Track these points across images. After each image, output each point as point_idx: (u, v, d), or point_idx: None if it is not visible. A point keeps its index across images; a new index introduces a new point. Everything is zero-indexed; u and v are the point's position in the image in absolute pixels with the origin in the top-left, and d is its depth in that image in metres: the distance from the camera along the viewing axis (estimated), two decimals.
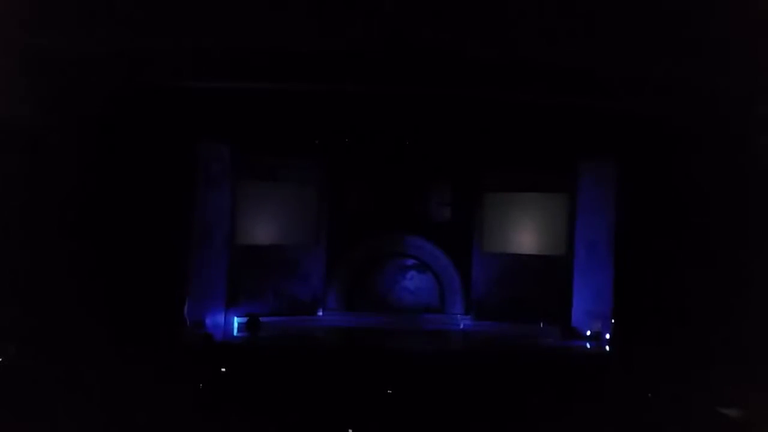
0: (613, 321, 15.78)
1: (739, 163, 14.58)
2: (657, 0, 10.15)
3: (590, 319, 16.78)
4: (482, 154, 18.28)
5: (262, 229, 17.43)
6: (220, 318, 16.48)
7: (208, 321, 16.09)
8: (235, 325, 16.13)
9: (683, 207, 14.77)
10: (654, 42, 12.02)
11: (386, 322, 17.97)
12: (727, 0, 9.63)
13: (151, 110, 14.31)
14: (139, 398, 8.21)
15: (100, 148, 14.10)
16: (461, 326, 17.98)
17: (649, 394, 9.40)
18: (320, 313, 18.04)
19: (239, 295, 16.85)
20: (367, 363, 13.90)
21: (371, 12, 11.59)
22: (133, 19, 11.73)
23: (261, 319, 16.11)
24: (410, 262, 18.77)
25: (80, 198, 13.78)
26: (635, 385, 10.22)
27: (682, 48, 12.19)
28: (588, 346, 16.20)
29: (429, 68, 13.67)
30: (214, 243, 16.48)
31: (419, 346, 15.83)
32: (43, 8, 11.20)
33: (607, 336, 16.07)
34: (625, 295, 15.43)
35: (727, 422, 7.80)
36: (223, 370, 11.66)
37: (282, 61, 13.52)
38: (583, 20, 11.02)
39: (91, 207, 13.85)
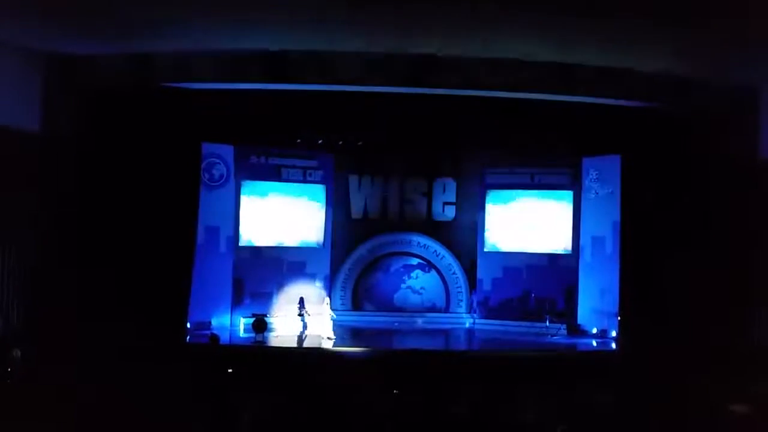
0: (619, 318, 15.78)
1: (744, 161, 14.55)
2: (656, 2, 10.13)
3: (596, 317, 16.79)
4: (486, 152, 18.31)
5: (267, 230, 17.43)
6: (227, 319, 16.55)
7: (214, 322, 16.18)
8: (242, 325, 16.16)
9: (689, 204, 14.74)
10: (656, 41, 12.01)
11: (392, 321, 18.02)
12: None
13: (156, 111, 14.34)
14: (143, 398, 8.24)
15: (104, 150, 14.13)
16: (467, 325, 17.98)
17: (656, 390, 9.38)
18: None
19: (245, 295, 16.92)
20: (372, 362, 13.92)
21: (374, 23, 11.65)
22: (138, 22, 11.76)
23: (267, 319, 16.11)
24: (415, 261, 18.77)
25: (83, 200, 13.82)
26: (642, 381, 10.21)
27: (683, 47, 12.17)
28: (594, 343, 16.19)
29: (431, 70, 13.71)
30: (218, 244, 16.55)
31: (425, 345, 15.83)
32: (53, 13, 11.22)
33: (613, 333, 16.06)
34: (631, 293, 15.41)
35: (732, 418, 7.78)
36: (230, 370, 11.66)
37: (285, 62, 13.56)
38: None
39: (94, 209, 13.88)
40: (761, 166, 14.26)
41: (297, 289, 17.33)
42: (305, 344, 15.67)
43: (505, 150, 18.43)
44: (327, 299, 16.71)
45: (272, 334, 16.11)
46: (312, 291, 17.51)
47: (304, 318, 16.40)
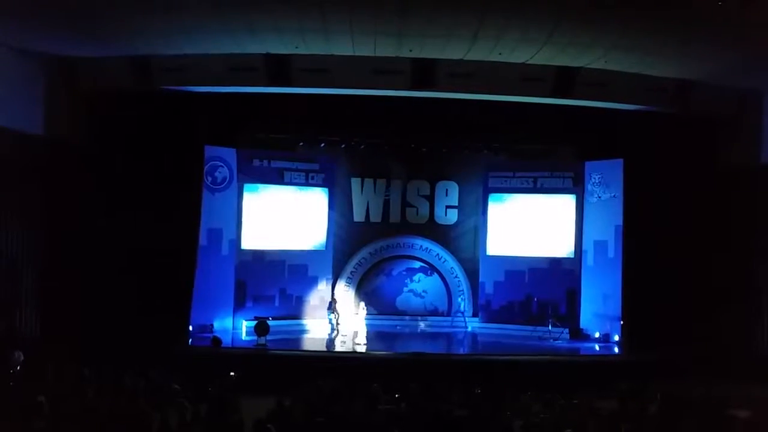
0: (622, 322, 15.74)
1: (747, 166, 14.54)
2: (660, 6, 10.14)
3: (599, 321, 16.75)
4: (489, 155, 18.30)
5: (270, 233, 17.41)
6: (229, 321, 16.54)
7: (216, 324, 16.17)
8: (244, 328, 16.14)
9: (691, 208, 14.73)
10: (660, 45, 12.00)
11: (394, 324, 18.01)
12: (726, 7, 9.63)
13: (159, 114, 14.36)
14: (144, 400, 8.23)
15: (107, 153, 14.16)
16: (469, 329, 17.96)
17: (658, 395, 9.37)
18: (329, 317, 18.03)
19: (247, 298, 16.92)
20: (375, 366, 13.91)
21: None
22: (141, 25, 11.79)
23: (269, 322, 16.09)
24: (417, 264, 18.76)
25: (86, 202, 13.84)
26: (644, 385, 10.18)
27: (687, 52, 12.17)
28: (597, 347, 16.16)
29: (432, 74, 13.73)
30: (221, 247, 16.55)
31: (427, 348, 15.79)
32: (55, 16, 11.25)
33: (616, 338, 16.02)
34: (634, 297, 15.38)
35: (734, 423, 7.76)
36: (232, 373, 11.66)
37: (288, 66, 13.58)
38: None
39: (97, 211, 13.90)
40: (764, 170, 14.25)
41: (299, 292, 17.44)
42: (336, 348, 15.90)
43: (508, 153, 18.45)
44: (362, 304, 16.83)
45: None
46: (323, 295, 17.67)
47: (332, 320, 16.56)
